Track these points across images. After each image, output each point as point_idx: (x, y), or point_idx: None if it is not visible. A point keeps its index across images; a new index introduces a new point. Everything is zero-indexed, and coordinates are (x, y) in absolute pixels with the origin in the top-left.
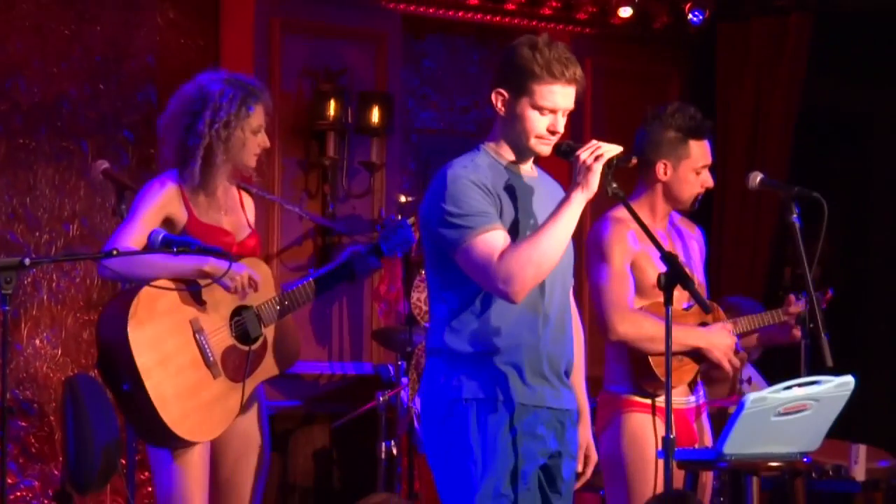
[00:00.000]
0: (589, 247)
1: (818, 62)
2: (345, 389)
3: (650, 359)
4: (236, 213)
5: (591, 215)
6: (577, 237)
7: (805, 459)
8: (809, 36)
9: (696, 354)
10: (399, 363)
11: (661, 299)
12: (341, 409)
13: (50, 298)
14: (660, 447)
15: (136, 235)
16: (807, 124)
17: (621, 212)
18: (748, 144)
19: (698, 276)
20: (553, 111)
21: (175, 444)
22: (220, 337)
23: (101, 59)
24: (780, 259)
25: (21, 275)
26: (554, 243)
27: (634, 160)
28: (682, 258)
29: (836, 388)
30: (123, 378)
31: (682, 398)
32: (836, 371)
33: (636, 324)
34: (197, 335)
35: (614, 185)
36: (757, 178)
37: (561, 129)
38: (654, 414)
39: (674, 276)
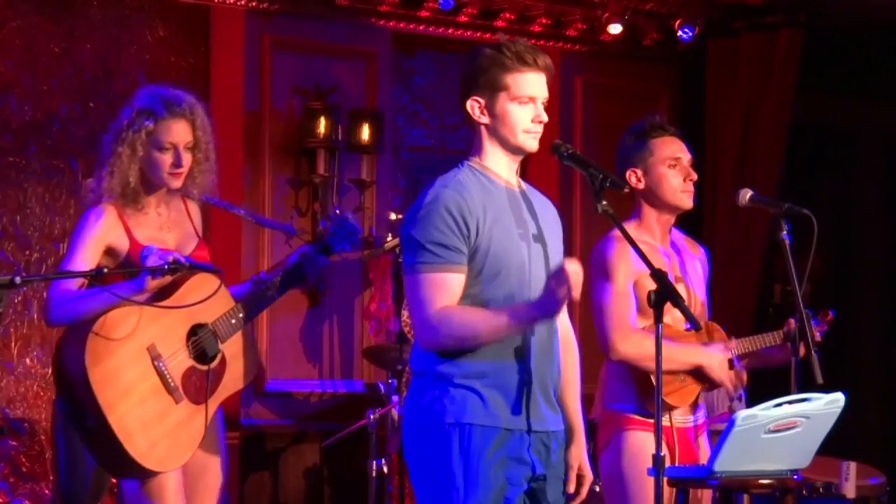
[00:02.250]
0: (592, 265)
1: (808, 78)
2: (335, 408)
3: (653, 379)
4: (181, 225)
5: (582, 230)
6: (583, 251)
7: (795, 477)
8: (799, 51)
9: (697, 373)
10: (390, 381)
11: (666, 318)
12: (332, 427)
13: (41, 317)
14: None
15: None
16: (797, 140)
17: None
18: (738, 161)
19: (700, 295)
20: (532, 99)
21: (144, 475)
22: (179, 360)
23: (91, 77)
24: (771, 276)
25: (11, 293)
26: (486, 340)
27: (627, 189)
28: (684, 278)
29: (827, 405)
30: (87, 414)
31: (683, 417)
32: (827, 388)
33: (637, 343)
34: (155, 362)
35: (604, 203)
36: (747, 195)
37: (545, 117)
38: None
39: (663, 293)
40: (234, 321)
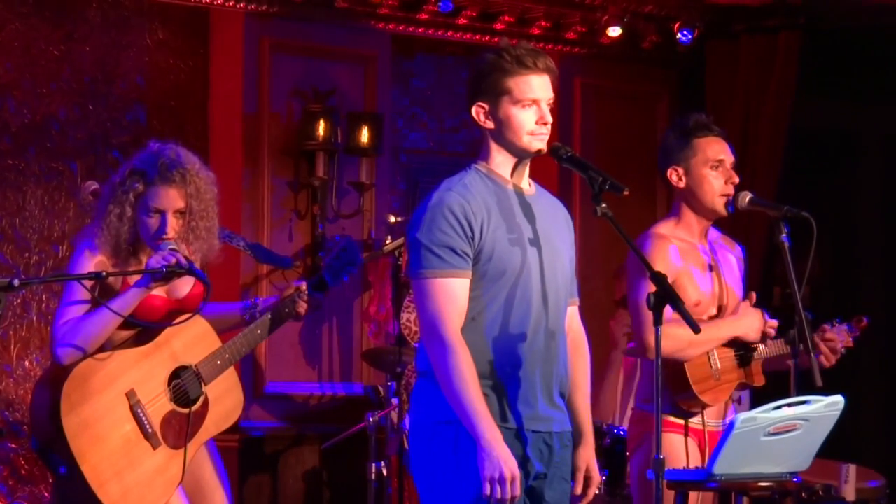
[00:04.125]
0: (630, 263)
1: (807, 80)
2: (335, 410)
3: (689, 376)
4: None
5: (581, 233)
6: (581, 252)
7: (795, 479)
8: (798, 54)
9: (733, 344)
10: (389, 384)
11: (703, 318)
12: (331, 429)
13: (39, 319)
14: (693, 468)
15: (83, 308)
16: (796, 142)
17: (663, 227)
18: (737, 163)
19: (737, 293)
20: (535, 101)
21: None
22: (159, 405)
23: (91, 80)
24: (770, 278)
25: (10, 296)
26: (451, 400)
27: (626, 192)
28: (722, 276)
29: (826, 407)
30: (59, 462)
31: (715, 420)
32: (826, 391)
33: (670, 336)
34: (134, 408)
35: (603, 206)
36: (746, 197)
37: (549, 118)
38: (686, 435)
39: (662, 296)
40: (219, 362)
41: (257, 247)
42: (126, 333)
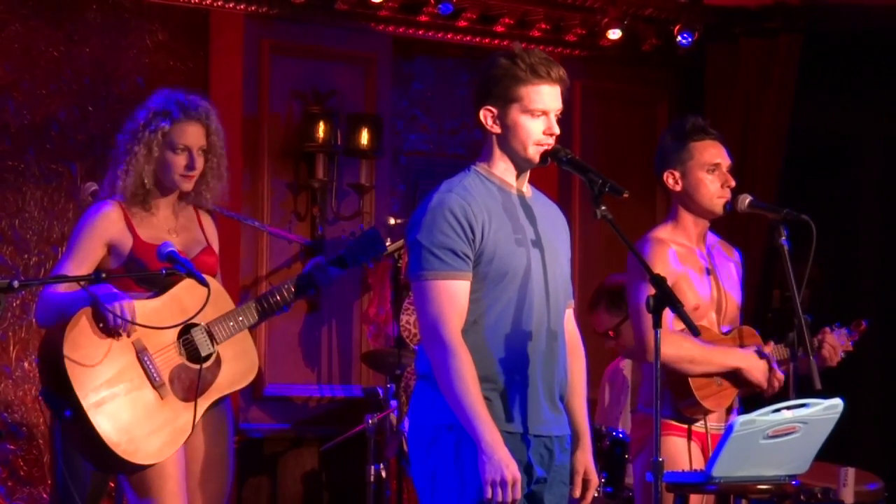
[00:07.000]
0: (630, 267)
1: (807, 83)
2: (334, 412)
3: (691, 382)
4: (189, 230)
5: (581, 235)
6: (581, 255)
7: (794, 482)
8: (798, 57)
9: (735, 376)
10: (388, 386)
11: (703, 322)
12: (330, 431)
13: None
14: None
15: (75, 270)
16: (796, 145)
17: (661, 231)
18: (737, 166)
19: (735, 298)
20: (545, 112)
21: (127, 469)
22: (167, 356)
23: (90, 81)
24: (770, 281)
25: (10, 297)
26: (454, 407)
27: (626, 194)
28: (720, 280)
29: (825, 410)
30: (64, 404)
31: (718, 423)
32: (825, 394)
33: (676, 345)
34: (140, 356)
35: (603, 209)
36: (746, 200)
37: (556, 130)
38: (689, 438)
39: (662, 299)
40: (232, 324)
41: (276, 229)
42: (139, 289)
